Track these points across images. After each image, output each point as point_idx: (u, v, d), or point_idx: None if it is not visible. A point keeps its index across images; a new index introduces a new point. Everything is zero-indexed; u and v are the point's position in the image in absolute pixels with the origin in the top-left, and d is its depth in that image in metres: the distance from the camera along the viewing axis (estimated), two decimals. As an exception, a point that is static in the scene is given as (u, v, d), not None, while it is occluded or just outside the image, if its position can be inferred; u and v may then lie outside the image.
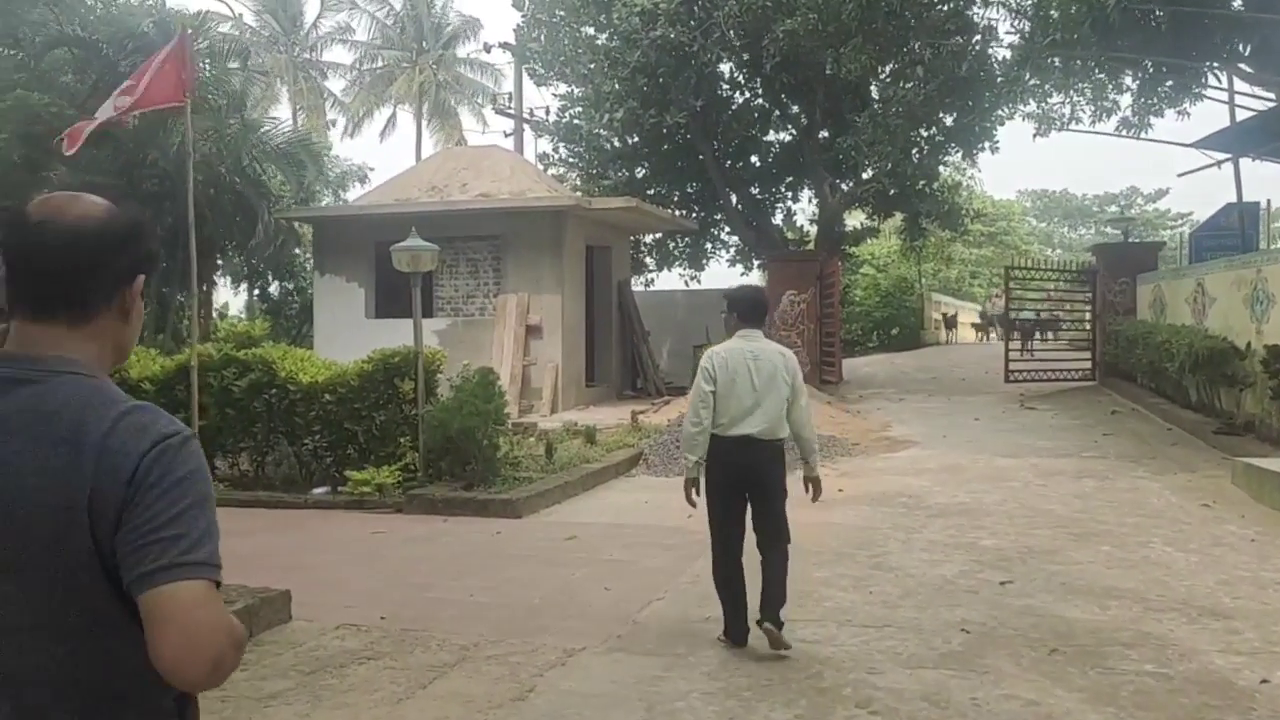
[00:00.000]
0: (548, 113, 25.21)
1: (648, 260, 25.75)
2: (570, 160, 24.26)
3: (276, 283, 22.96)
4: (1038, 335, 25.06)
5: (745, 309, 5.90)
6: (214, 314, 22.49)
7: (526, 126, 27.24)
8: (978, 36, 19.33)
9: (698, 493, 5.80)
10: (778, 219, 25.41)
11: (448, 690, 5.23)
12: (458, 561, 8.09)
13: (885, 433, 14.87)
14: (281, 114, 40.28)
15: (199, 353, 10.46)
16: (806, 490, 6.05)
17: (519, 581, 7.42)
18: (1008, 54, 19.19)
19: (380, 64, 44.61)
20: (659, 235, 24.66)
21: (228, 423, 11.00)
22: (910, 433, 14.72)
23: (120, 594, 1.45)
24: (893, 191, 22.34)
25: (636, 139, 22.29)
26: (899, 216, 24.87)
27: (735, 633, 5.81)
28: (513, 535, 9.01)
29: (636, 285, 23.91)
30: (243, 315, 24.56)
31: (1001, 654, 5.61)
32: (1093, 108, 18.92)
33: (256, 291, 23.22)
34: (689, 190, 24.21)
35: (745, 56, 21.10)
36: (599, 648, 5.87)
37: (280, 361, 11.03)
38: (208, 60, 17.58)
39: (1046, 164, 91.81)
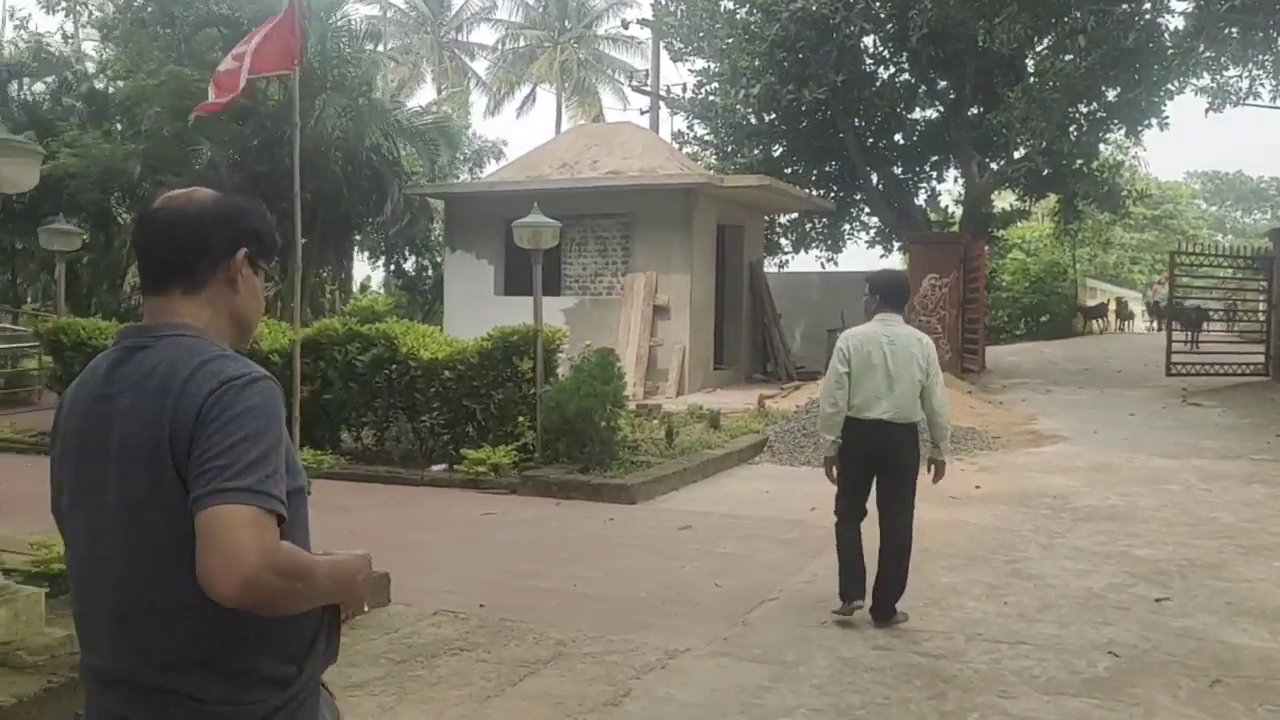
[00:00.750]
0: (684, 90, 24.77)
1: (782, 241, 25.09)
2: (705, 138, 23.79)
3: (412, 258, 23.27)
4: (1205, 325, 23.29)
5: (888, 292, 5.92)
6: (354, 289, 22.93)
7: (662, 104, 26.86)
8: (1147, 4, 17.94)
9: (837, 469, 5.96)
10: (920, 199, 24.39)
11: (538, 689, 4.92)
12: (565, 548, 7.81)
13: (1030, 426, 13.98)
14: (426, 94, 41.09)
15: (324, 327, 10.50)
16: (928, 470, 5.98)
17: (626, 572, 7.09)
18: (1180, 23, 17.78)
19: (522, 43, 44.93)
20: (794, 215, 23.98)
21: (351, 396, 11.02)
22: (1057, 427, 13.79)
23: None
24: (1046, 171, 21.10)
25: (773, 116, 21.64)
26: (1052, 198, 23.53)
27: (848, 591, 5.85)
28: (625, 522, 8.70)
29: (770, 266, 23.33)
30: (382, 290, 25.05)
31: (1155, 683, 4.97)
32: (1274, 81, 17.35)
33: (391, 267, 23.60)
34: (827, 169, 23.44)
35: (890, 28, 20.20)
36: (703, 650, 5.48)
37: (402, 337, 10.97)
38: (345, 40, 17.82)
39: (1219, 143, 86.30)
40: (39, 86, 20.41)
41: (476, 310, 16.26)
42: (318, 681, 1.80)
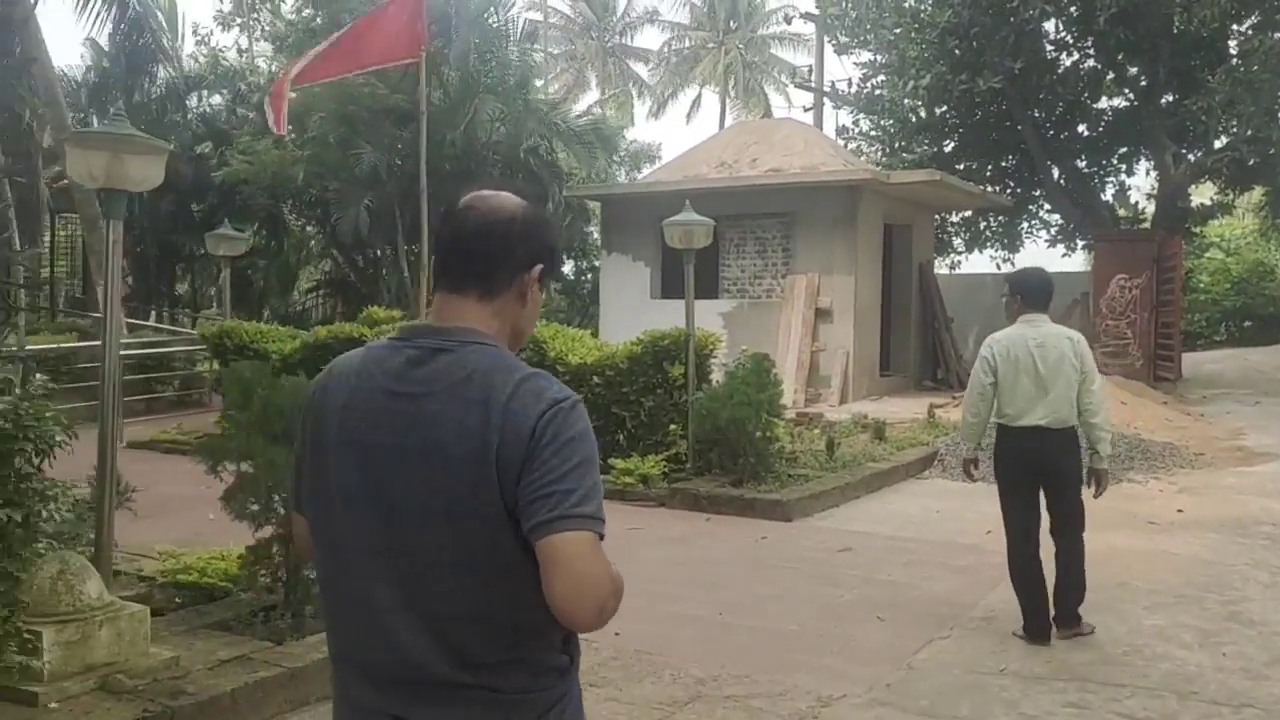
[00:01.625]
0: (850, 84, 23.81)
1: (955, 240, 23.78)
2: (871, 133, 22.74)
3: (570, 262, 23.16)
4: None
5: (1030, 292, 5.70)
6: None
7: (826, 99, 25.95)
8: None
9: (976, 468, 5.89)
10: (1107, 195, 22.61)
11: (671, 737, 4.38)
12: (713, 569, 7.24)
13: (1237, 442, 12.55)
14: (589, 100, 41.30)
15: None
16: (1089, 484, 5.65)
17: (778, 600, 6.46)
18: None
19: (688, 44, 44.64)
20: (967, 213, 22.66)
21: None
22: (1271, 443, 12.33)
23: (520, 537, 1.60)
24: (1252, 161, 19.15)
25: (945, 108, 20.44)
26: (1258, 190, 21.42)
27: (1033, 628, 5.52)
28: (779, 541, 8.05)
29: (941, 267, 22.10)
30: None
31: None
32: None
33: (551, 270, 23.50)
34: (1003, 164, 22.03)
35: (1074, 11, 18.75)
36: (860, 697, 4.81)
37: (550, 341, 10.63)
38: (502, 42, 17.77)
39: None
40: (216, 99, 21.34)
41: (632, 314, 15.85)
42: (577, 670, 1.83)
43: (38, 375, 4.10)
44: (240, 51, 24.63)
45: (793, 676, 5.07)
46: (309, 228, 20.23)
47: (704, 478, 9.67)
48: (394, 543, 1.67)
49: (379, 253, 19.23)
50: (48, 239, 19.63)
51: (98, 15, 16.46)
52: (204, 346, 13.34)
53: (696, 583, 6.84)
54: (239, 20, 25.40)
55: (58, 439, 3.53)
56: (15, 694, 3.95)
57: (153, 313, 20.73)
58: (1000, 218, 23.06)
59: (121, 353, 14.27)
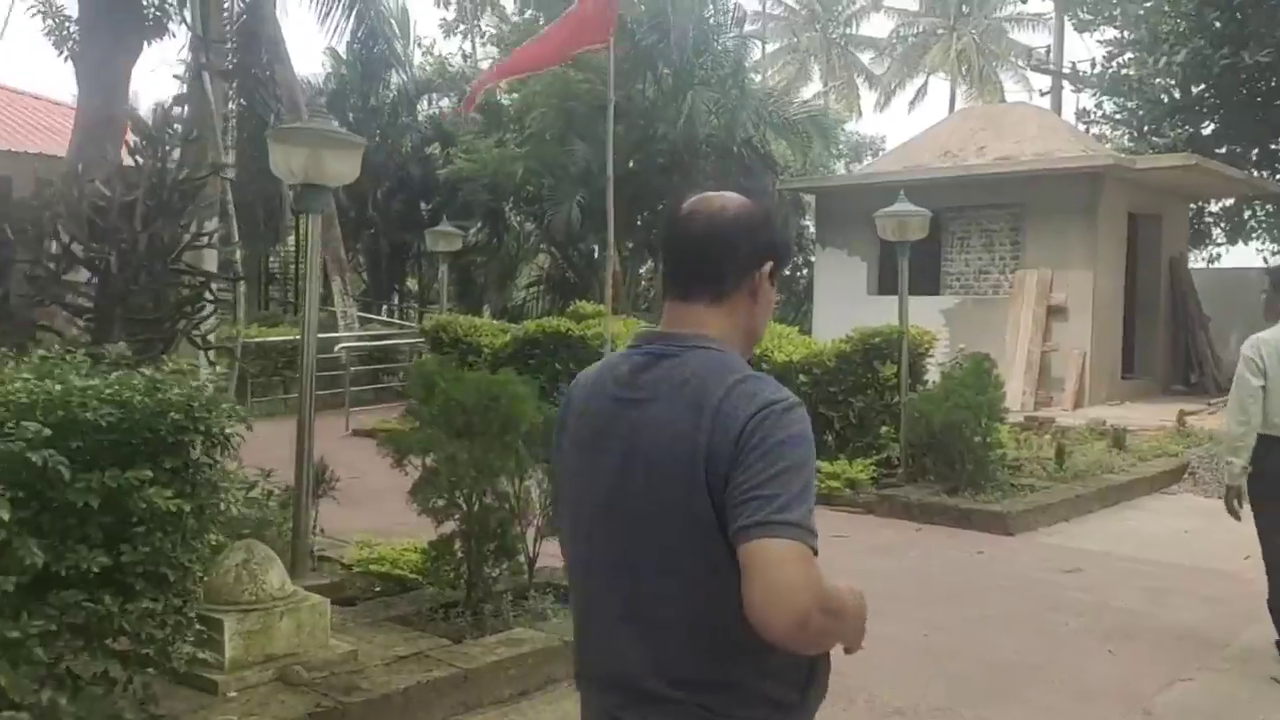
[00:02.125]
0: (1092, 65, 22.11)
1: (1214, 232, 21.67)
2: (1115, 117, 21.02)
3: (785, 256, 22.61)
4: None
5: None
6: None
7: (1065, 82, 24.24)
8: None
9: (1241, 504, 5.16)
10: (1401, 179, 19.98)
11: (859, 775, 3.96)
12: (922, 585, 6.70)
13: None
14: (812, 92, 40.46)
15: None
16: None
17: (992, 622, 5.87)
18: None
19: (919, 30, 42.98)
20: (1229, 202, 20.58)
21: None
22: None
23: (731, 545, 1.54)
24: None
25: (1202, 86, 18.61)
26: None
27: None
28: (997, 557, 7.39)
29: (1197, 260, 20.16)
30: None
31: None
32: None
33: (765, 266, 23.09)
34: (1273, 147, 19.85)
35: (1359, -29, 16.63)
36: (1084, 746, 4.23)
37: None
38: (716, 33, 17.52)
39: None
40: (444, 102, 22.22)
41: (847, 310, 15.22)
42: (813, 715, 1.75)
43: (231, 366, 4.13)
44: (464, 57, 25.59)
45: (1004, 712, 4.54)
46: (527, 224, 20.73)
47: (916, 484, 9.07)
48: (619, 551, 1.68)
49: (591, 248, 19.46)
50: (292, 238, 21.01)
51: (337, 25, 17.42)
52: (424, 339, 13.81)
53: (901, 597, 6.32)
54: (461, 27, 26.41)
55: (228, 431, 3.51)
56: (197, 681, 4.00)
57: (384, 307, 21.83)
58: (1268, 206, 20.83)
59: (350, 345, 15.09)
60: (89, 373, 3.41)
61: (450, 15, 26.76)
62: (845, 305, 15.79)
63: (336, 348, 14.31)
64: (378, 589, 5.66)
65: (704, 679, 1.63)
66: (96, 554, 3.19)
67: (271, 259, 21.25)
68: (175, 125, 5.23)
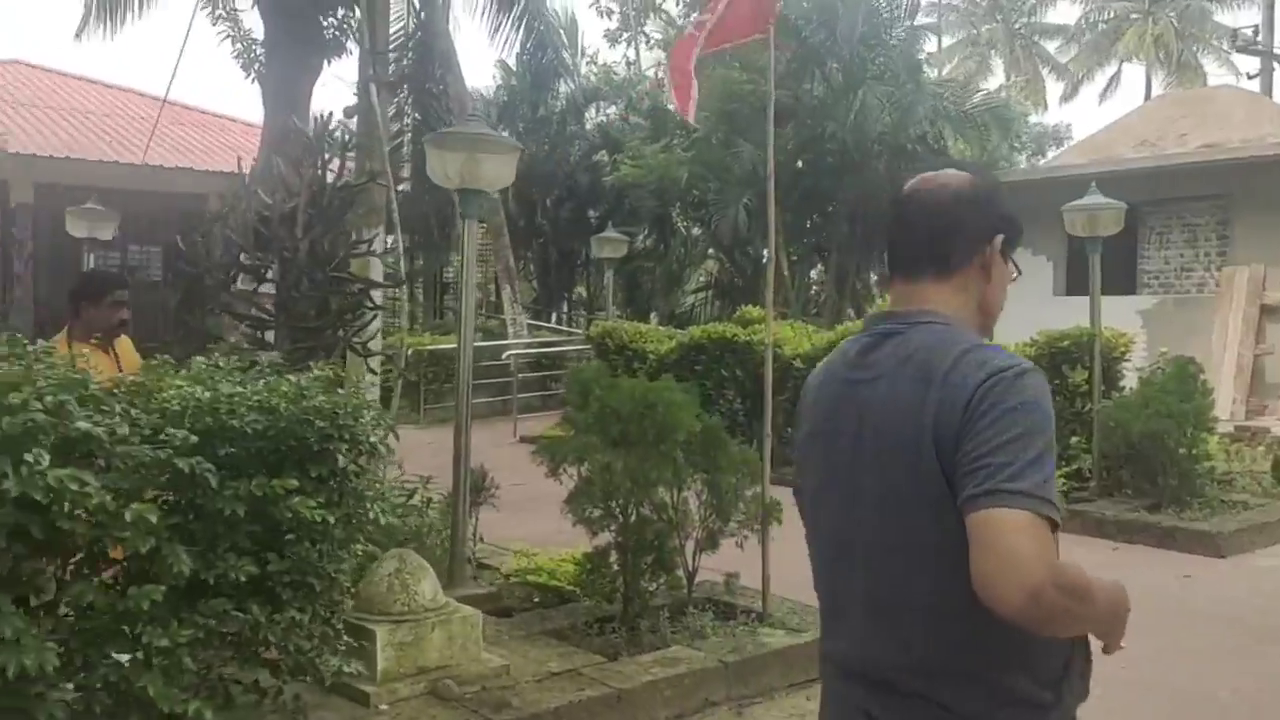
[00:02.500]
0: (1308, 42, 20.30)
1: None
2: (1338, 98, 19.23)
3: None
4: None
5: None
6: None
7: (1277, 64, 22.35)
8: None
9: None
10: None
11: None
12: (1118, 611, 6.11)
13: None
14: (992, 84, 38.82)
15: (844, 332, 9.66)
16: None
17: (1202, 656, 5.29)
18: None
19: (1108, 16, 40.61)
20: None
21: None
22: None
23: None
24: None
25: None
26: None
27: None
28: (1207, 582, 6.70)
29: None
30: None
31: None
32: None
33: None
34: None
35: None
36: (1319, 807, 3.68)
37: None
38: (889, 25, 16.90)
39: None
40: (611, 110, 22.32)
41: (1031, 312, 14.17)
42: (1073, 716, 1.64)
43: (395, 374, 4.07)
44: (628, 64, 25.68)
45: (1219, 764, 4.02)
46: (694, 229, 20.56)
47: (1112, 499, 8.39)
48: (854, 533, 1.65)
49: (760, 251, 19.13)
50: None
51: (506, 38, 17.72)
52: (589, 346, 13.83)
53: (1096, 626, 5.79)
54: (625, 35, 26.51)
55: (372, 439, 3.43)
56: (349, 691, 3.95)
57: (553, 315, 22.10)
58: None
59: (517, 352, 15.28)
60: (241, 380, 3.39)
61: (613, 25, 26.99)
62: (1029, 307, 14.66)
63: (505, 355, 14.49)
64: (535, 600, 5.55)
65: (945, 668, 1.56)
66: (244, 563, 3.15)
67: (448, 269, 21.80)
68: (336, 134, 5.29)
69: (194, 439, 3.02)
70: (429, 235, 19.67)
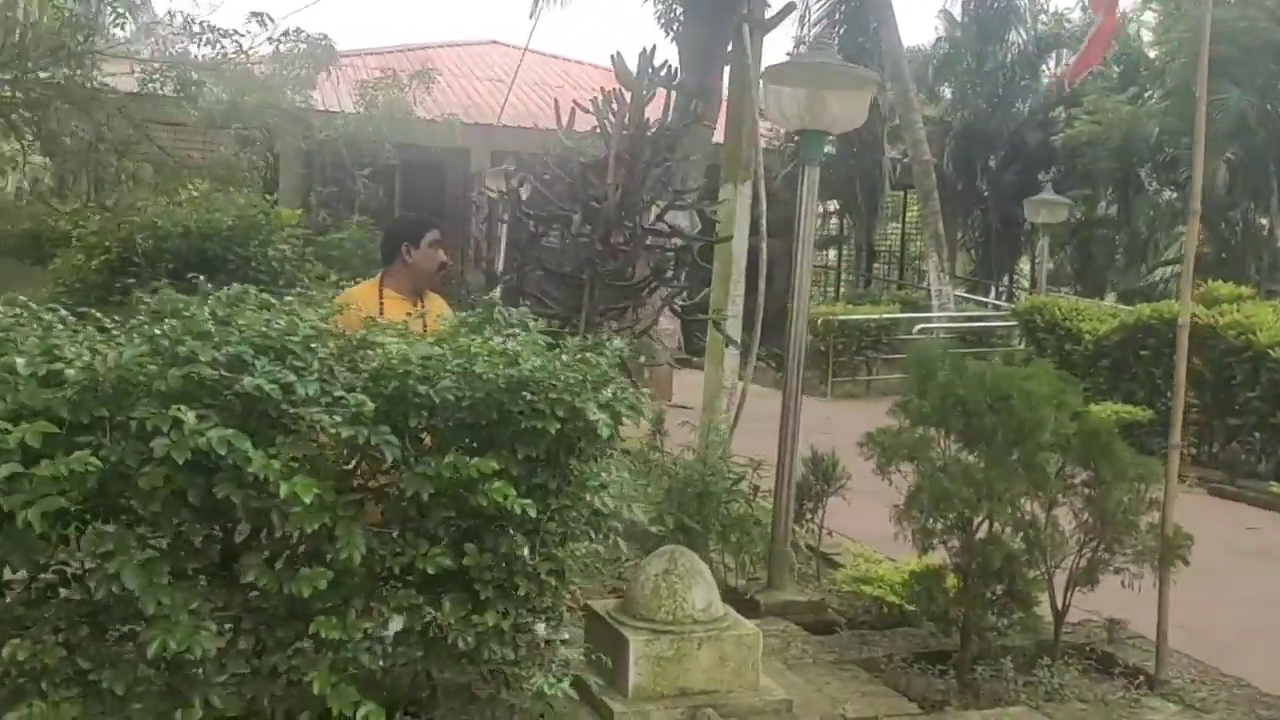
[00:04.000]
0: None
1: None
2: None
3: None
4: None
5: None
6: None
7: None
8: None
9: None
10: None
11: None
12: None
13: None
14: None
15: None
16: None
17: None
18: None
19: None
20: None
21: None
22: None
23: None
24: None
25: None
26: None
27: None
28: None
29: None
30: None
31: None
32: None
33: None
34: None
35: None
36: None
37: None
38: None
39: None
40: (1071, 60, 19.75)
41: None
42: None
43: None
44: (1084, 8, 22.59)
45: None
46: (1166, 191, 17.62)
47: None
48: None
49: (1249, 217, 16.00)
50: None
51: (953, -15, 16.30)
52: (1017, 323, 12.29)
53: None
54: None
55: (603, 430, 2.81)
56: (594, 703, 3.43)
57: (992, 288, 20.14)
58: None
59: (930, 326, 14.01)
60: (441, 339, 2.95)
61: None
62: None
63: (916, 328, 13.34)
64: (866, 616, 4.70)
65: None
66: (435, 552, 2.71)
67: (878, 238, 20.78)
68: (658, 70, 4.72)
69: (371, 405, 2.61)
70: (852, 201, 18.80)
